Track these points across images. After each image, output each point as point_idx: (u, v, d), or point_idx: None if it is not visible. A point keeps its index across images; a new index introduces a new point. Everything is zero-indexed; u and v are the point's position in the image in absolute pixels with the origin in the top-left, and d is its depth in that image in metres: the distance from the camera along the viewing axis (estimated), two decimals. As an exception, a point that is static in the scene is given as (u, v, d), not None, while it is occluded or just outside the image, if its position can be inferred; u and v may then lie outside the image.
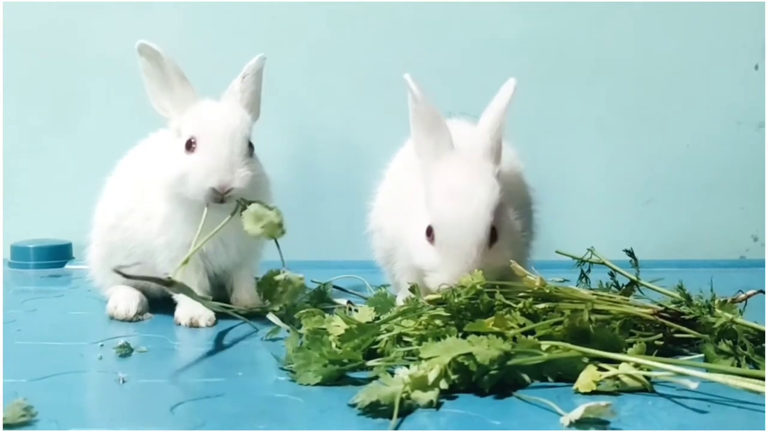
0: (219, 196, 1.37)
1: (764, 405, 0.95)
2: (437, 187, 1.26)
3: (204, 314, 1.41)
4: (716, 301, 1.18)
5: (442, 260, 1.22)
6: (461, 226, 1.21)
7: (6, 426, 0.89)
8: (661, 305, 1.18)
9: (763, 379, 0.96)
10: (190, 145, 1.40)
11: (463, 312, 1.11)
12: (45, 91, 2.18)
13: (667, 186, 2.20)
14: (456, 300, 1.12)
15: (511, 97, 1.33)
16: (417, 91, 1.30)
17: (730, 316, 1.12)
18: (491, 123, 1.31)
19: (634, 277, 1.32)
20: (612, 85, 2.19)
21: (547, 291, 1.17)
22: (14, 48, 2.14)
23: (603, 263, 1.37)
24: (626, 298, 1.25)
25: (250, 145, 1.43)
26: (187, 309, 1.42)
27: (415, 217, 1.29)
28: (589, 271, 1.39)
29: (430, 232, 1.24)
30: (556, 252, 1.40)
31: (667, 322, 1.15)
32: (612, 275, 1.36)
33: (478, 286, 1.13)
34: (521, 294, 1.17)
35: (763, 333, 1.12)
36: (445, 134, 1.30)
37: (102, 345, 1.26)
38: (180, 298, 1.42)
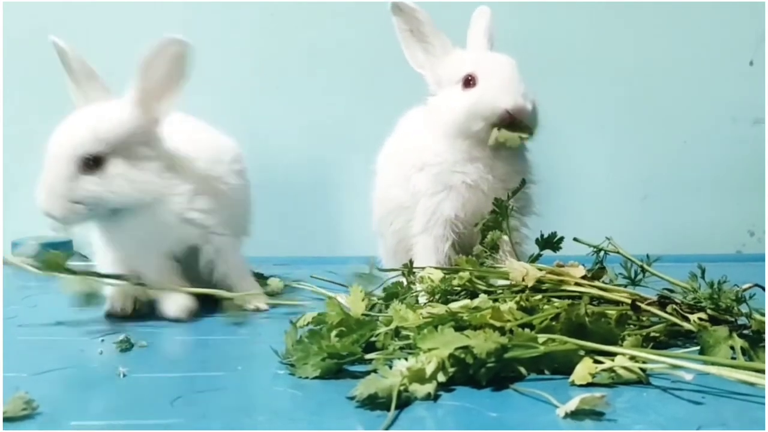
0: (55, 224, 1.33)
1: (761, 396, 0.95)
2: None
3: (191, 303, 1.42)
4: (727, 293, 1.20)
5: None
6: None
7: (7, 419, 0.89)
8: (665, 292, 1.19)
9: (759, 371, 0.96)
10: None
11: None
12: (45, 91, 2.18)
13: (663, 182, 2.21)
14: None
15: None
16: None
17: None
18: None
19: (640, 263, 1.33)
20: (608, 82, 2.20)
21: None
22: (14, 47, 2.15)
23: (618, 252, 1.37)
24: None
25: (96, 161, 1.31)
26: (172, 301, 1.42)
27: None
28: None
29: None
30: (574, 240, 1.38)
31: (662, 313, 1.16)
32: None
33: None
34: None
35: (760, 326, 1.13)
36: None
37: (102, 340, 1.27)
38: (159, 294, 1.43)
